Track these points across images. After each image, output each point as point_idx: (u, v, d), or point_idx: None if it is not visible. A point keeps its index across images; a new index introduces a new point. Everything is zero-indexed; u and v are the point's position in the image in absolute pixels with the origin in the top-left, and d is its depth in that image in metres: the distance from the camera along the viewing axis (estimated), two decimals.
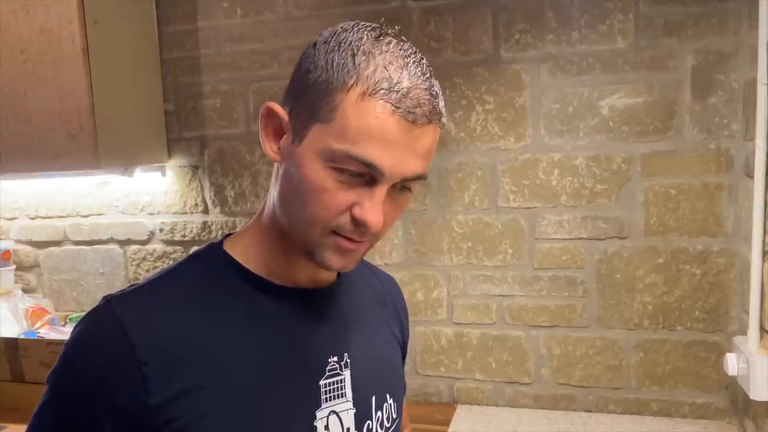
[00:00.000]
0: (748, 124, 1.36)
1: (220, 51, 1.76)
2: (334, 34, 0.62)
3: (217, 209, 1.82)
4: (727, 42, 1.41)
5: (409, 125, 0.59)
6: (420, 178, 0.63)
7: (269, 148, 0.66)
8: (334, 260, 0.64)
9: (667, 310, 1.51)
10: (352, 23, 0.63)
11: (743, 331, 1.33)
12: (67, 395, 0.63)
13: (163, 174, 1.84)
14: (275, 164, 0.68)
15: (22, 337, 1.68)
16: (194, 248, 1.80)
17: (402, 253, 1.68)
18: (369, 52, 0.60)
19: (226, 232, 1.79)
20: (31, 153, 1.56)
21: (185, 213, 1.85)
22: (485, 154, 1.59)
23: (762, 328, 1.27)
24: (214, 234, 1.83)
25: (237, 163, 1.79)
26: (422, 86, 0.60)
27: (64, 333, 1.77)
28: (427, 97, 0.60)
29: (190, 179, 1.83)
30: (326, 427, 0.68)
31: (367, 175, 0.60)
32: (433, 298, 1.67)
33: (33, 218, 1.99)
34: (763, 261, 1.27)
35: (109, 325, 0.62)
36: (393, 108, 0.58)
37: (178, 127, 1.82)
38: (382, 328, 0.82)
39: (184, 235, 1.86)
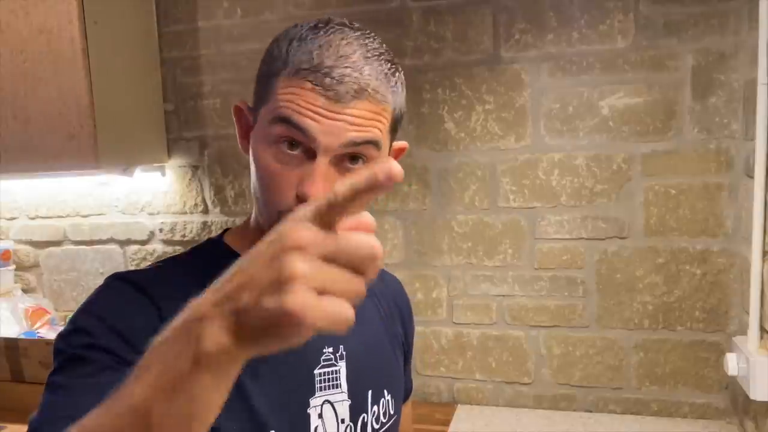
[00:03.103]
0: (748, 124, 1.36)
1: (220, 51, 1.76)
2: (284, 31, 0.66)
3: (217, 209, 1.82)
4: (727, 42, 1.41)
5: (331, 102, 0.60)
6: (368, 142, 0.62)
7: (241, 144, 0.71)
8: None
9: (667, 310, 1.51)
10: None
11: (743, 331, 1.33)
12: (84, 333, 0.61)
13: (163, 174, 1.84)
14: None
15: (22, 337, 1.68)
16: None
17: (402, 253, 1.68)
18: (302, 39, 0.62)
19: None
20: (31, 153, 1.56)
21: (185, 213, 1.85)
22: (485, 154, 1.59)
23: (762, 328, 1.27)
24: (214, 234, 1.83)
25: (237, 163, 1.79)
26: (346, 64, 0.60)
27: None
28: (355, 74, 0.60)
29: (190, 179, 1.83)
30: (320, 416, 0.69)
31: (309, 151, 0.61)
32: (433, 298, 1.67)
33: (33, 218, 1.99)
34: (763, 261, 1.27)
35: (123, 283, 0.64)
36: (312, 86, 0.60)
37: (178, 127, 1.82)
38: (381, 326, 0.83)
39: (184, 235, 1.86)
